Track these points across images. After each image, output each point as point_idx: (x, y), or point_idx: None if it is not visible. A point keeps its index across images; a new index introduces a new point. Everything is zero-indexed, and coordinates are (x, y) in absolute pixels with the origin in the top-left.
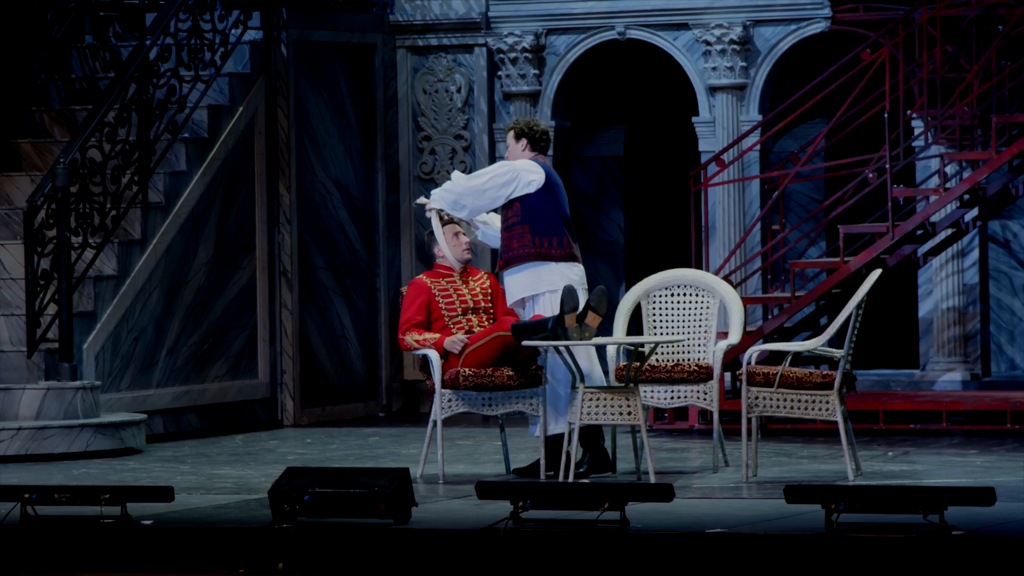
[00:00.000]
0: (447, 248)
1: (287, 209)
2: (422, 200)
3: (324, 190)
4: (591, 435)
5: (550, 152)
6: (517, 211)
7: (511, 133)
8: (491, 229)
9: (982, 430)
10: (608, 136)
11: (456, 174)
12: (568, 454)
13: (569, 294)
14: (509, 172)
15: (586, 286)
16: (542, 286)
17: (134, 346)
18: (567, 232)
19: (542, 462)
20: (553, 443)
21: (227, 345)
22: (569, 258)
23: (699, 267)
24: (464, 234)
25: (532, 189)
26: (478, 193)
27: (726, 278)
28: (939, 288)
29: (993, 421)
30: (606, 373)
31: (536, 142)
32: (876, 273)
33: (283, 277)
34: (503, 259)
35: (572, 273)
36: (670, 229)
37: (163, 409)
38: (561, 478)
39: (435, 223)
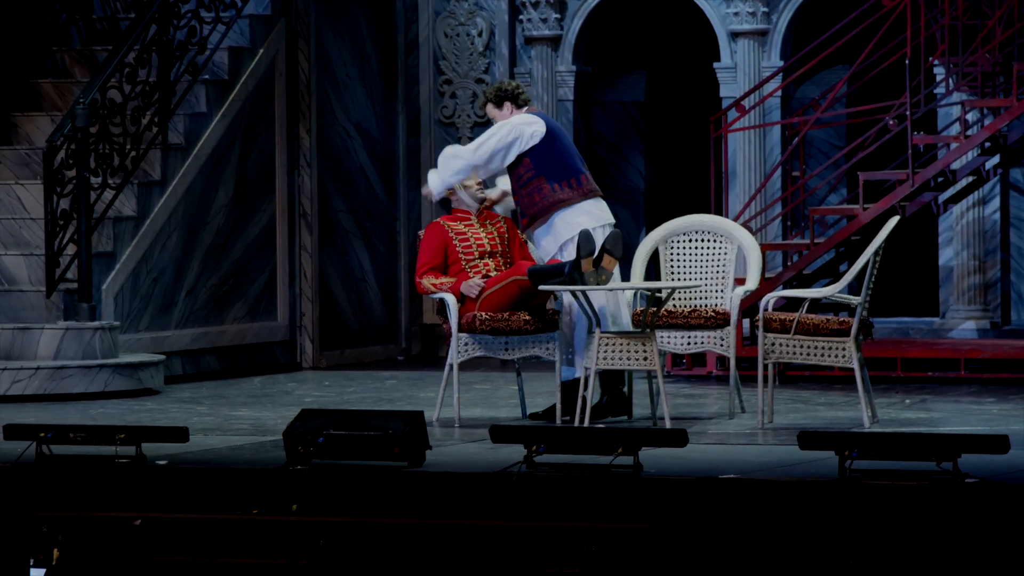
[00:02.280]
0: (461, 191)
1: (307, 152)
2: (430, 190)
3: (344, 133)
4: (611, 380)
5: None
6: (529, 166)
7: (489, 106)
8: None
9: (1000, 378)
10: (629, 81)
11: (454, 147)
12: (584, 399)
13: (585, 238)
14: (511, 129)
15: (612, 220)
16: (572, 229)
17: (153, 287)
18: (582, 170)
19: (558, 407)
20: (570, 387)
21: (246, 287)
22: (590, 194)
23: (719, 213)
24: (476, 176)
25: (537, 140)
26: (488, 159)
27: (745, 224)
28: (959, 236)
29: (1011, 370)
30: None
31: (518, 99)
32: (894, 220)
33: (303, 220)
34: (527, 216)
35: (596, 209)
36: (691, 175)
37: (182, 350)
38: (576, 423)
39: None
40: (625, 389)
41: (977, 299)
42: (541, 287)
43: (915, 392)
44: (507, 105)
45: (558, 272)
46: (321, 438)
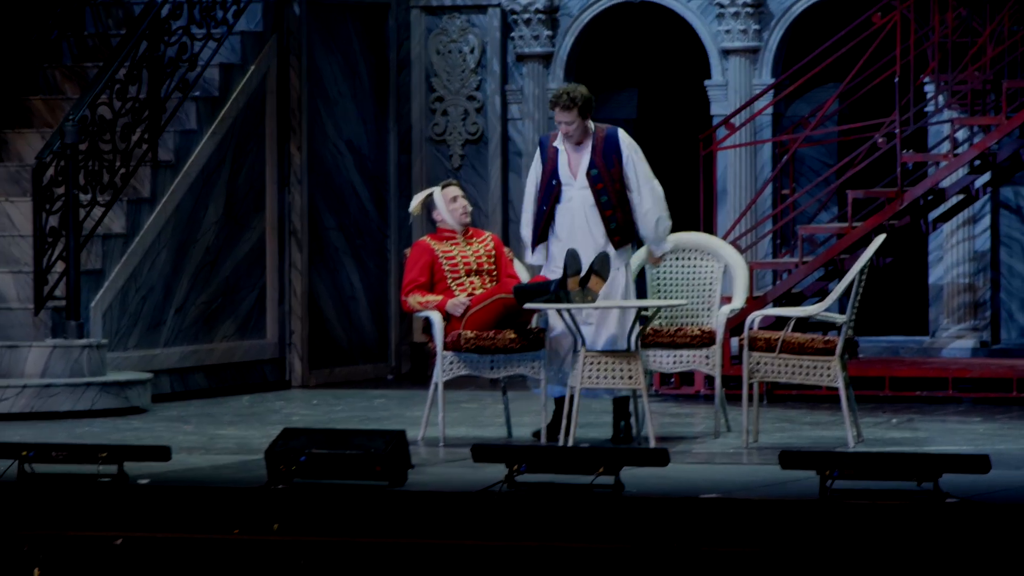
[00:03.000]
0: (446, 213)
1: (298, 169)
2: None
3: (336, 150)
4: (619, 410)
5: (564, 131)
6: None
7: (573, 112)
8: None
9: (988, 398)
10: (621, 99)
11: (660, 197)
12: (568, 417)
13: (572, 257)
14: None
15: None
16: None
17: (142, 305)
18: None
19: (543, 425)
20: (560, 406)
21: (235, 305)
22: None
23: (708, 231)
24: (463, 198)
25: None
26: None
27: (735, 242)
28: (950, 254)
29: (999, 389)
30: None
31: (592, 110)
32: (880, 238)
33: (293, 237)
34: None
35: None
36: (682, 193)
37: (170, 368)
38: (561, 442)
39: (436, 191)
40: (632, 420)
41: (967, 318)
42: (526, 305)
43: (903, 411)
44: (588, 117)
45: (544, 290)
46: (303, 457)
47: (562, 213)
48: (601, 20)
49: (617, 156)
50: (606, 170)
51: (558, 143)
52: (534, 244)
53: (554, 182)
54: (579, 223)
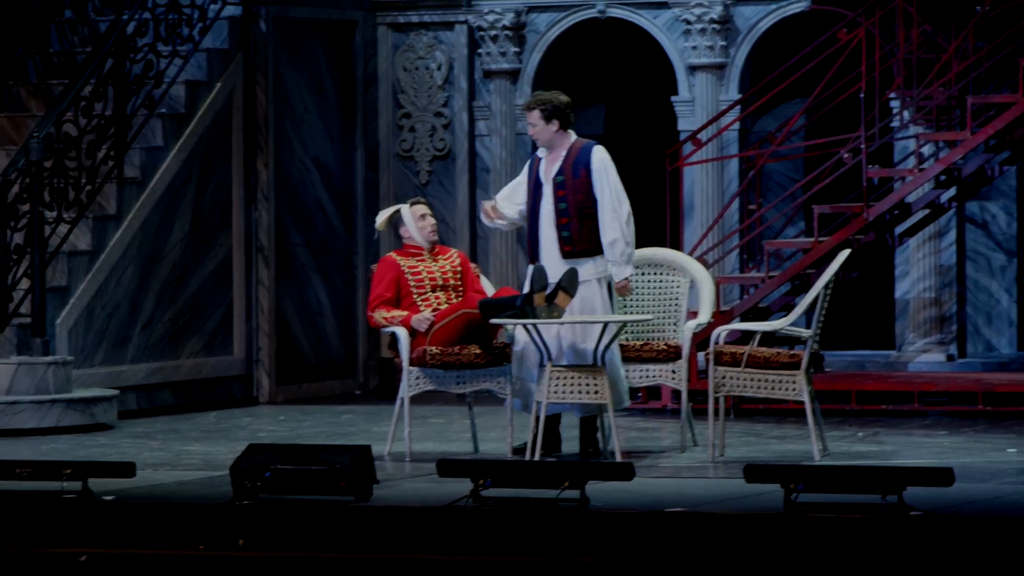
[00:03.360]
0: (414, 230)
1: (264, 186)
2: (625, 281)
3: (302, 167)
4: (587, 429)
5: (530, 132)
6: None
7: (536, 114)
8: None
9: (954, 411)
10: (588, 115)
11: (622, 221)
12: (535, 431)
13: (539, 273)
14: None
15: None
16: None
17: (108, 322)
18: None
19: (510, 438)
20: (547, 422)
21: (202, 321)
22: None
23: (675, 246)
24: (431, 216)
25: None
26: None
27: (701, 257)
28: (916, 269)
29: (965, 402)
30: None
31: (568, 119)
32: (844, 253)
33: (260, 254)
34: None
35: None
36: (649, 208)
37: (137, 385)
38: (528, 456)
39: (404, 209)
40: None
41: (933, 332)
42: (492, 320)
43: (869, 425)
44: (555, 123)
45: (509, 305)
46: (268, 473)
47: (540, 221)
48: (568, 36)
49: (586, 169)
50: (571, 179)
51: (540, 152)
52: (531, 255)
53: (536, 187)
54: (548, 231)
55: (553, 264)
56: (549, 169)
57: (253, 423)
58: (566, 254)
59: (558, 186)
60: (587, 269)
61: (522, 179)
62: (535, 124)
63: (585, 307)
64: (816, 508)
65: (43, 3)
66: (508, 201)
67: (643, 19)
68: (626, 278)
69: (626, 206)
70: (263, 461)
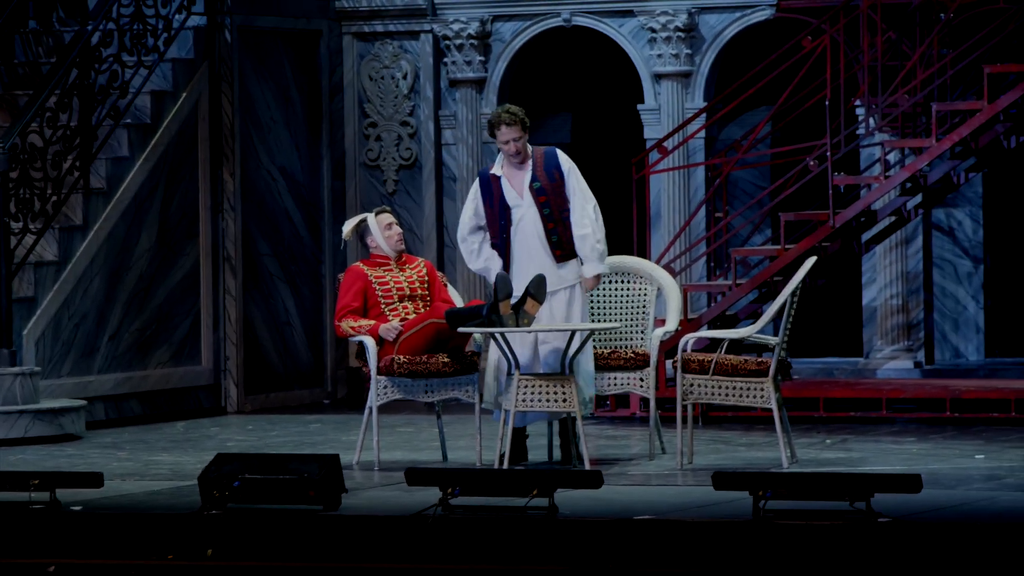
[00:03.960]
0: (381, 240)
1: (231, 195)
2: (594, 277)
3: (269, 176)
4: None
5: (512, 148)
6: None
7: (517, 129)
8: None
9: (922, 418)
10: (555, 124)
11: (591, 222)
12: (502, 440)
13: (503, 280)
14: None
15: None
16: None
17: (75, 332)
18: None
19: (479, 447)
20: (517, 433)
21: (170, 332)
22: None
23: (641, 254)
24: (397, 225)
25: None
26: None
27: (668, 265)
28: (883, 276)
29: (933, 409)
30: None
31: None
32: (810, 261)
33: (227, 263)
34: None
35: None
36: (617, 216)
37: (105, 395)
38: (496, 465)
39: (370, 218)
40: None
41: (901, 339)
42: (460, 329)
43: (837, 432)
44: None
45: (476, 314)
46: (237, 482)
47: (516, 235)
48: (534, 45)
49: (559, 171)
50: (548, 183)
51: (497, 170)
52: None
53: (504, 208)
54: (532, 242)
55: (547, 272)
56: (520, 180)
57: (221, 433)
58: (558, 258)
59: (538, 192)
60: (572, 271)
61: (478, 202)
62: (519, 137)
63: (571, 312)
64: (785, 515)
65: (7, 13)
66: (478, 231)
67: (609, 27)
68: (597, 275)
69: (593, 201)
70: (232, 471)
